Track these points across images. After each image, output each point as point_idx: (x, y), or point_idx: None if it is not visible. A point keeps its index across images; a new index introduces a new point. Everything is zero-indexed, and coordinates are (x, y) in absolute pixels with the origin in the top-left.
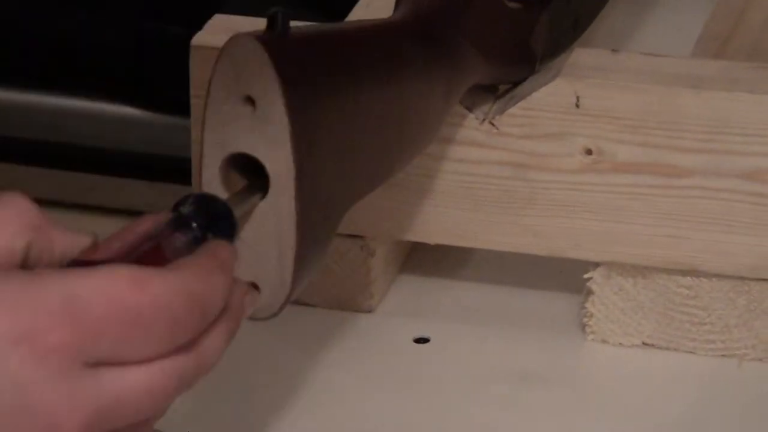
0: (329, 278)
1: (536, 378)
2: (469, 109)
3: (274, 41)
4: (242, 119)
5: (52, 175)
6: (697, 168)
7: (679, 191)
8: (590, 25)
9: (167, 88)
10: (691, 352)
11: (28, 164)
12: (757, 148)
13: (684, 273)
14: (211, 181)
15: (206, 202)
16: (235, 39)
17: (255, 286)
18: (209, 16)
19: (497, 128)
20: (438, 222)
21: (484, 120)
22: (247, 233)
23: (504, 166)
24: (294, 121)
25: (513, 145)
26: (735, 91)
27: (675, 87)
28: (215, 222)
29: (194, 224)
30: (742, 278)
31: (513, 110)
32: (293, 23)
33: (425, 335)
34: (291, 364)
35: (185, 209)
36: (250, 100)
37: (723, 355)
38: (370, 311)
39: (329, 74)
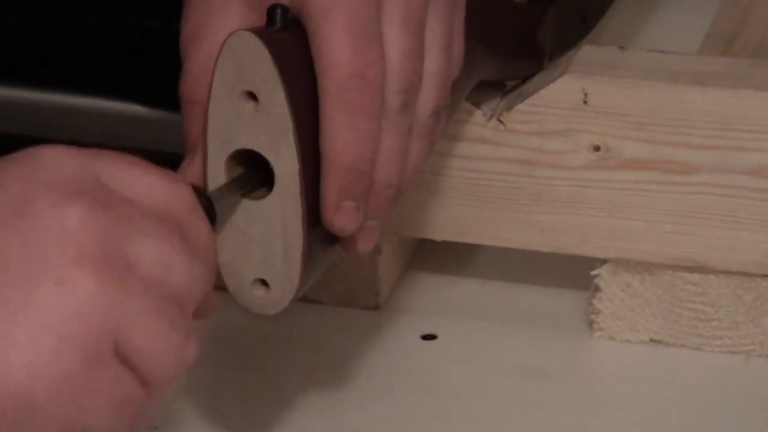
0: (336, 275)
1: (543, 374)
2: (477, 105)
3: (273, 36)
4: (245, 115)
5: None
6: (704, 164)
7: (686, 188)
8: (599, 22)
9: (172, 85)
10: (698, 349)
11: None
12: (763, 145)
13: (691, 269)
14: (216, 177)
15: None
16: (235, 35)
17: (263, 283)
18: None
19: (504, 125)
20: (445, 219)
21: (491, 117)
22: (254, 230)
23: (511, 162)
24: (297, 115)
25: (520, 142)
26: (741, 88)
27: (681, 84)
28: None
29: None
30: (749, 274)
31: (520, 107)
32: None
33: (432, 332)
34: (298, 361)
35: None
36: (252, 96)
37: (730, 352)
38: (376, 308)
39: None
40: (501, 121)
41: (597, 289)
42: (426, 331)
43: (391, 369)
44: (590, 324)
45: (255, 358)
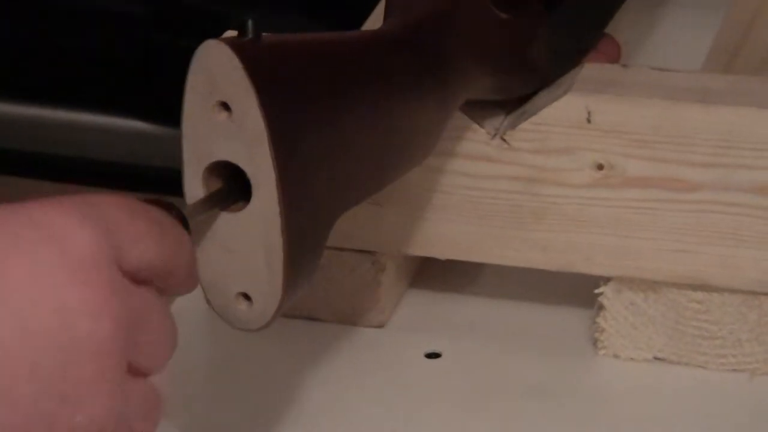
0: (340, 293)
1: (548, 392)
2: (480, 124)
3: (244, 45)
4: (219, 126)
5: (62, 190)
6: (707, 182)
7: (689, 206)
8: (599, 39)
9: (178, 101)
10: (702, 367)
11: (38, 178)
12: (766, 162)
13: (695, 287)
14: (195, 191)
15: (160, 209)
16: (203, 45)
17: (246, 297)
18: (221, 30)
19: (508, 143)
20: (448, 237)
21: (495, 135)
22: (235, 242)
23: (515, 180)
24: (271, 123)
25: (524, 160)
26: (744, 106)
27: (685, 101)
28: None
29: None
30: (753, 292)
31: (524, 125)
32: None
33: (436, 350)
34: (301, 380)
35: None
36: (225, 106)
37: (734, 370)
38: (380, 326)
39: (309, 79)
40: (504, 140)
41: (601, 307)
42: (430, 349)
43: (394, 387)
44: (594, 342)
45: (258, 377)
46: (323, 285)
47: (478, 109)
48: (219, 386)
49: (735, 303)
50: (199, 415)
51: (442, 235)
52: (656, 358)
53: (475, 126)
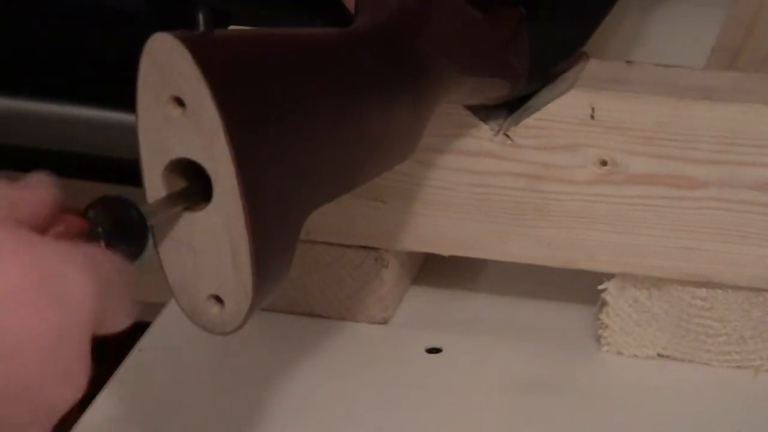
0: (343, 290)
1: (550, 389)
2: (484, 120)
3: (193, 37)
4: (174, 122)
5: (61, 185)
6: (711, 179)
7: (693, 203)
8: (586, 41)
9: None
10: (706, 364)
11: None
12: None
13: (698, 284)
14: (155, 190)
15: (117, 206)
16: (152, 38)
17: (217, 299)
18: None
19: (512, 140)
20: (452, 233)
21: (498, 131)
22: (199, 242)
23: (518, 177)
24: (226, 115)
25: (527, 157)
26: (748, 103)
27: (689, 99)
28: (122, 229)
29: (99, 229)
30: (756, 289)
31: (527, 122)
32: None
33: (438, 346)
34: (303, 375)
35: (92, 213)
36: (179, 101)
37: (738, 367)
38: (383, 323)
39: (265, 72)
40: (508, 136)
41: (604, 304)
42: (431, 345)
43: (396, 382)
44: (598, 339)
45: (261, 372)
46: (326, 281)
47: (481, 106)
48: (220, 383)
49: (739, 300)
50: (200, 413)
51: (445, 232)
52: (660, 355)
53: (479, 122)
